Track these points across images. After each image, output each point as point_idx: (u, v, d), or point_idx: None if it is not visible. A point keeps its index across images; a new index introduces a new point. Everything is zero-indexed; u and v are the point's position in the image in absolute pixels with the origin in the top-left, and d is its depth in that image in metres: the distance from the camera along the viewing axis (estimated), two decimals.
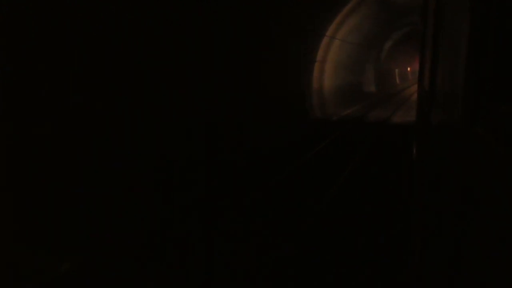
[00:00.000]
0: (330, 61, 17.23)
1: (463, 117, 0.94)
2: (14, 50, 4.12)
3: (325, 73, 16.95)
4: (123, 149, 5.72)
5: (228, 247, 4.71)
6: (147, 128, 6.21)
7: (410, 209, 4.21)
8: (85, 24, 4.88)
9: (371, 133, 12.44)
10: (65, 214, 4.64)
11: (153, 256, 4.57)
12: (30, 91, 4.31)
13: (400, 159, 8.98)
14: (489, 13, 0.81)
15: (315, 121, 14.49)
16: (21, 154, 4.28)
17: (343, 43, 17.89)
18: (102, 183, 5.24)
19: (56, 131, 4.66)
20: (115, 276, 4.17)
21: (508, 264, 0.53)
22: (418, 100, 4.86)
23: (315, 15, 12.05)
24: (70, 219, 4.68)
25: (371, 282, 3.90)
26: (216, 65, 8.24)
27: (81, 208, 4.83)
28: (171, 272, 4.20)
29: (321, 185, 7.10)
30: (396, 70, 34.63)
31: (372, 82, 24.81)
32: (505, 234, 0.56)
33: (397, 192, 6.56)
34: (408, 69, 43.04)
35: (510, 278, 0.53)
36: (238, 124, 9.17)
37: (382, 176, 7.59)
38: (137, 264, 4.40)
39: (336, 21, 15.35)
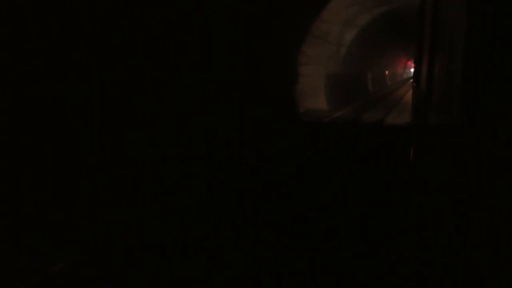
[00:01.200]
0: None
1: (460, 118, 0.93)
2: (14, 50, 4.22)
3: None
4: (122, 148, 5.77)
5: (227, 246, 4.65)
6: (147, 127, 6.34)
7: (408, 210, 4.15)
8: (85, 24, 4.92)
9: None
10: (60, 212, 4.70)
11: (152, 255, 4.45)
12: (29, 90, 4.42)
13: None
14: (486, 16, 0.82)
15: None
16: (14, 151, 4.31)
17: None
18: (101, 182, 5.28)
19: (54, 130, 4.71)
20: (111, 276, 4.05)
21: (507, 263, 0.54)
22: (414, 101, 5.00)
23: None
24: (65, 217, 4.73)
25: (367, 283, 3.88)
26: (213, 65, 8.32)
27: (77, 206, 4.89)
28: (170, 271, 4.12)
29: (316, 186, 6.85)
30: (369, 75, 24.54)
31: (320, 95, 15.08)
32: (503, 233, 0.56)
33: (394, 192, 6.40)
34: (386, 72, 31.73)
35: (508, 277, 0.53)
36: (234, 124, 9.08)
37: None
38: (135, 264, 4.27)
39: None
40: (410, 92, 27.86)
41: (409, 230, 3.14)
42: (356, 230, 5.05)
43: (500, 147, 0.62)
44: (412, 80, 40.67)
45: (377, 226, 5.15)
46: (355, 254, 4.42)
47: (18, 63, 4.25)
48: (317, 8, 11.97)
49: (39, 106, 4.49)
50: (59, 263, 4.11)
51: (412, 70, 54.53)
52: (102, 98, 5.40)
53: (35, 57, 4.42)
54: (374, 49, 23.28)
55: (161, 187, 6.39)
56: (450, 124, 1.13)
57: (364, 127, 12.93)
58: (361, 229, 5.06)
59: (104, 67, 5.35)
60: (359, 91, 21.79)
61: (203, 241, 4.74)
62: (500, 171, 0.58)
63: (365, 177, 7.59)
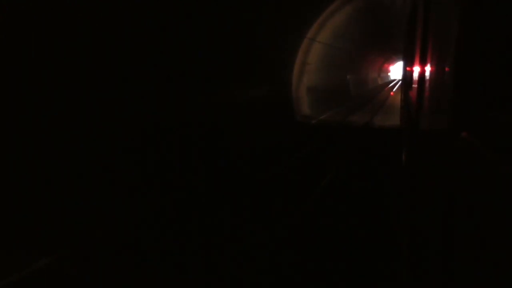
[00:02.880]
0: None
1: (451, 123, 0.95)
2: (13, 50, 4.31)
3: None
4: (119, 144, 5.88)
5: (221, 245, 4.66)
6: (144, 125, 6.52)
7: (399, 212, 4.15)
8: (82, 22, 5.09)
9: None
10: (48, 207, 4.67)
11: (148, 254, 4.36)
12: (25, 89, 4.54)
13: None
14: (477, 23, 0.82)
15: None
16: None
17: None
18: (93, 178, 5.33)
19: (46, 126, 4.80)
20: (99, 274, 3.92)
21: (494, 264, 0.56)
22: (405, 106, 5.00)
23: None
24: (54, 213, 4.71)
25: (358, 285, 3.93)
26: (207, 66, 8.52)
27: (69, 202, 4.88)
28: (169, 271, 4.03)
29: (309, 185, 7.00)
30: (302, 86, 16.91)
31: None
32: (492, 236, 0.58)
33: (386, 195, 6.47)
34: (347, 76, 21.75)
35: (495, 277, 0.55)
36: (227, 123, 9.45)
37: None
38: (133, 263, 4.15)
39: None
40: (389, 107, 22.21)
41: (401, 231, 3.06)
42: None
43: (492, 151, 0.63)
44: (390, 87, 34.81)
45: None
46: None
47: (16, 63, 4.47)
48: None
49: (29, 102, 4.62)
50: (44, 257, 4.02)
51: (390, 74, 49.20)
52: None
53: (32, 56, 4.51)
54: (344, 41, 17.13)
55: None
56: (442, 128, 1.13)
57: None
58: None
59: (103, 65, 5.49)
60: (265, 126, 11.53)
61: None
62: (492, 175, 0.59)
63: None
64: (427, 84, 1.81)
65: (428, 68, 1.81)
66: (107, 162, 5.72)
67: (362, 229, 5.05)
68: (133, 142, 6.37)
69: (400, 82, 40.66)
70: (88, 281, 3.82)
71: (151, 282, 3.82)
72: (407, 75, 4.76)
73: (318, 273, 3.99)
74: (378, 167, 8.32)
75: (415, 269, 1.64)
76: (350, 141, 11.34)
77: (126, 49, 6.09)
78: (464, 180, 0.80)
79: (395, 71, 57.34)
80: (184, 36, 7.41)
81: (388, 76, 50.45)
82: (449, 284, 0.87)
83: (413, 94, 2.98)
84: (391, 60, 40.92)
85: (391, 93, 30.53)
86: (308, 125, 13.98)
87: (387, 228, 5.01)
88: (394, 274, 3.84)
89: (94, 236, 4.65)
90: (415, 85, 2.79)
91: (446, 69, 1.11)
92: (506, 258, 0.54)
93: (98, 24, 5.51)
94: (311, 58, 14.88)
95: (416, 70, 2.68)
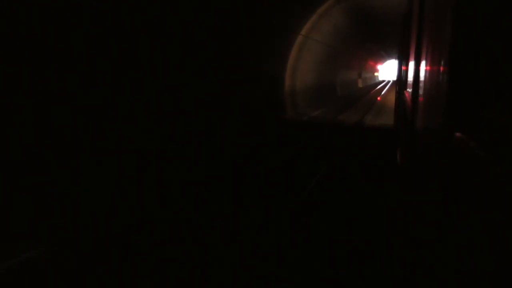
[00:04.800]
0: None
1: (445, 123, 0.96)
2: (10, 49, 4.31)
3: None
4: (115, 141, 5.90)
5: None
6: (145, 122, 6.59)
7: (394, 213, 4.13)
8: (79, 20, 5.05)
9: None
10: (43, 198, 4.62)
11: (145, 248, 4.33)
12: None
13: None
14: (472, 21, 0.84)
15: None
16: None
17: None
18: (91, 175, 5.30)
19: (41, 120, 4.77)
20: (88, 270, 3.84)
21: (489, 264, 0.57)
22: (400, 105, 5.10)
23: None
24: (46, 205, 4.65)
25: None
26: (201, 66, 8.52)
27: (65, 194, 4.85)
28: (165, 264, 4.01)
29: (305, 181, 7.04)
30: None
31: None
32: (486, 235, 0.59)
33: (382, 193, 6.45)
34: (285, 79, 13.13)
35: (489, 277, 0.56)
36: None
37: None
38: (133, 259, 4.10)
39: None
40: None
41: (395, 231, 3.14)
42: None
43: (486, 152, 0.63)
44: (377, 90, 33.52)
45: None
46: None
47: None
48: None
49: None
50: (36, 248, 3.98)
51: (376, 74, 47.69)
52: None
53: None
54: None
55: None
56: (435, 128, 1.14)
57: None
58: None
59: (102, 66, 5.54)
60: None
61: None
62: (486, 175, 0.60)
63: None
64: (422, 84, 1.80)
65: (423, 68, 1.81)
66: (104, 156, 5.73)
67: (355, 229, 5.00)
68: (129, 136, 6.40)
69: (391, 83, 39.05)
70: (82, 274, 3.79)
71: (146, 277, 3.82)
72: (402, 75, 4.81)
73: (311, 275, 3.97)
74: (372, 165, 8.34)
75: (409, 270, 1.63)
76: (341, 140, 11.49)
77: (124, 48, 6.08)
78: (458, 181, 0.81)
79: (385, 70, 54.88)
80: (181, 35, 7.41)
81: (375, 77, 45.44)
82: (444, 285, 0.87)
83: (408, 93, 2.97)
84: (380, 57, 37.71)
85: (378, 98, 26.39)
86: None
87: (381, 229, 4.99)
88: (388, 275, 3.80)
89: (90, 228, 4.63)
90: (410, 82, 2.79)
91: (441, 68, 1.11)
92: (502, 259, 0.54)
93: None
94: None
95: (411, 69, 2.68)
